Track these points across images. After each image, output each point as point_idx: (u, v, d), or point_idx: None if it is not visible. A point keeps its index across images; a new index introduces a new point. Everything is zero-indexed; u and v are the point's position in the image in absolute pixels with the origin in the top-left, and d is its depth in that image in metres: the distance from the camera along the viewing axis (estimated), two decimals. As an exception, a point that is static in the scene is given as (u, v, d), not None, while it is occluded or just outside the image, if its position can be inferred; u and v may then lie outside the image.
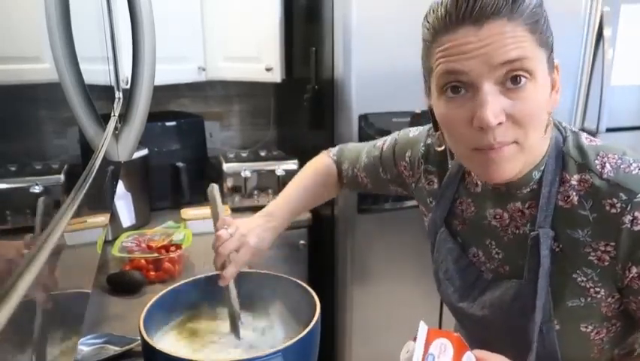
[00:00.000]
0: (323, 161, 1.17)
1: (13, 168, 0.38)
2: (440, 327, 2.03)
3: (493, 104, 0.68)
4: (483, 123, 0.68)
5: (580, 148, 0.77)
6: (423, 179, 0.96)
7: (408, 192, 1.05)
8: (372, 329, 2.00)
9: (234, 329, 0.97)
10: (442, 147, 0.85)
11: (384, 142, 1.07)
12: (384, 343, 1.97)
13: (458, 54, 0.68)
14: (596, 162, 0.74)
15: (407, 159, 1.00)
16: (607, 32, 1.93)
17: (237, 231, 0.99)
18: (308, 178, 1.14)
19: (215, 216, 1.03)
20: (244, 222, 1.03)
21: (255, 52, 2.07)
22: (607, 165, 0.73)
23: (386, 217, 1.91)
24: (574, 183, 0.75)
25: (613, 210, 0.71)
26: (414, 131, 1.02)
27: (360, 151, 1.12)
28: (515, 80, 0.68)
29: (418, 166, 0.97)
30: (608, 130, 2.02)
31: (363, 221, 1.89)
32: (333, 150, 1.19)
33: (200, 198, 2.20)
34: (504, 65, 0.67)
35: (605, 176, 0.72)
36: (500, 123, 0.68)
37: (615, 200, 0.71)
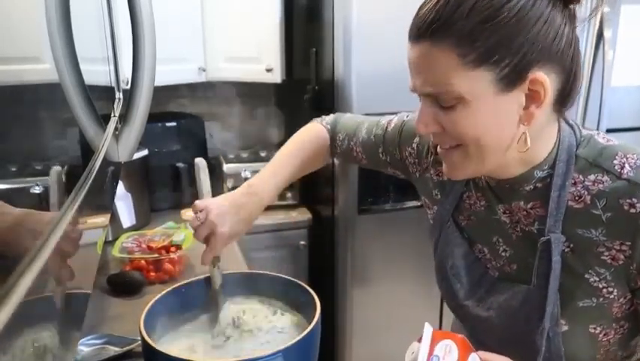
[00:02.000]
0: (315, 129, 1.14)
1: (13, 169, 0.38)
2: (440, 327, 2.03)
3: (425, 116, 0.74)
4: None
5: (596, 149, 0.76)
6: (432, 170, 0.94)
7: (407, 177, 1.02)
8: (372, 329, 2.00)
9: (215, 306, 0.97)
10: None
11: (388, 122, 1.04)
12: (385, 343, 1.97)
13: (409, 68, 0.74)
14: (615, 162, 0.73)
15: (414, 146, 0.97)
16: (607, 33, 1.93)
17: (207, 218, 0.94)
18: (298, 146, 1.10)
19: (199, 195, 0.99)
20: (218, 205, 0.97)
21: (255, 52, 2.08)
22: (626, 165, 0.73)
23: (386, 218, 1.91)
24: (588, 183, 0.74)
25: (632, 210, 0.71)
26: None
27: (358, 124, 1.09)
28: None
29: (426, 155, 0.95)
30: (608, 131, 2.02)
31: (363, 222, 1.89)
32: (327, 119, 1.16)
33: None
34: (426, 94, 0.73)
35: (624, 176, 0.72)
36: (437, 131, 0.74)
37: (635, 200, 0.70)
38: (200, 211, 0.95)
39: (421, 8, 0.71)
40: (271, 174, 1.04)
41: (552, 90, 0.70)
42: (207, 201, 0.97)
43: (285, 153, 1.08)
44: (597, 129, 2.06)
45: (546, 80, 0.68)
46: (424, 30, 0.69)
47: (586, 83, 2.02)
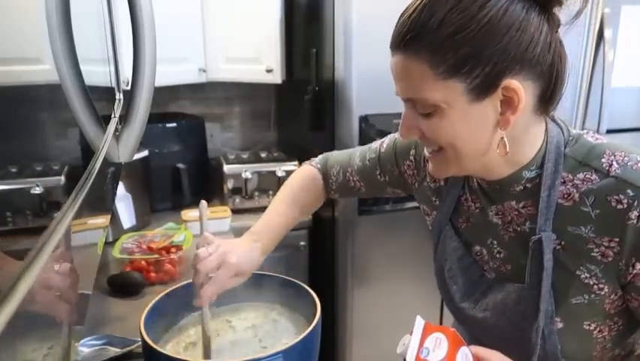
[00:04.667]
0: (306, 171, 1.15)
1: (13, 170, 0.38)
2: (441, 328, 2.03)
3: (407, 120, 0.77)
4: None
5: (584, 148, 0.77)
6: (428, 177, 0.96)
7: (407, 192, 1.04)
8: (373, 330, 2.00)
9: (206, 354, 0.91)
10: None
11: (380, 144, 1.06)
12: (385, 343, 1.97)
13: (393, 75, 0.76)
14: (602, 160, 0.74)
15: (412, 157, 0.99)
16: (607, 34, 1.93)
17: (218, 249, 0.92)
18: (293, 191, 1.11)
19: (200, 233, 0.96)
20: (227, 241, 0.97)
21: (255, 53, 2.08)
22: (614, 162, 0.74)
23: (386, 219, 1.91)
24: (577, 182, 0.75)
25: (619, 207, 0.71)
26: None
27: (350, 154, 1.11)
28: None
29: (424, 164, 0.97)
30: (609, 131, 2.02)
31: (363, 222, 1.89)
32: (316, 160, 1.18)
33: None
34: (406, 99, 0.76)
35: (612, 173, 0.73)
36: (418, 136, 0.77)
37: (622, 196, 0.71)
38: (209, 244, 0.93)
39: (399, 17, 0.73)
40: (269, 223, 1.04)
41: (530, 96, 0.72)
42: (214, 237, 0.95)
43: (280, 202, 1.09)
44: (597, 130, 2.07)
45: (519, 87, 0.69)
46: (398, 42, 0.72)
47: (586, 84, 2.03)
